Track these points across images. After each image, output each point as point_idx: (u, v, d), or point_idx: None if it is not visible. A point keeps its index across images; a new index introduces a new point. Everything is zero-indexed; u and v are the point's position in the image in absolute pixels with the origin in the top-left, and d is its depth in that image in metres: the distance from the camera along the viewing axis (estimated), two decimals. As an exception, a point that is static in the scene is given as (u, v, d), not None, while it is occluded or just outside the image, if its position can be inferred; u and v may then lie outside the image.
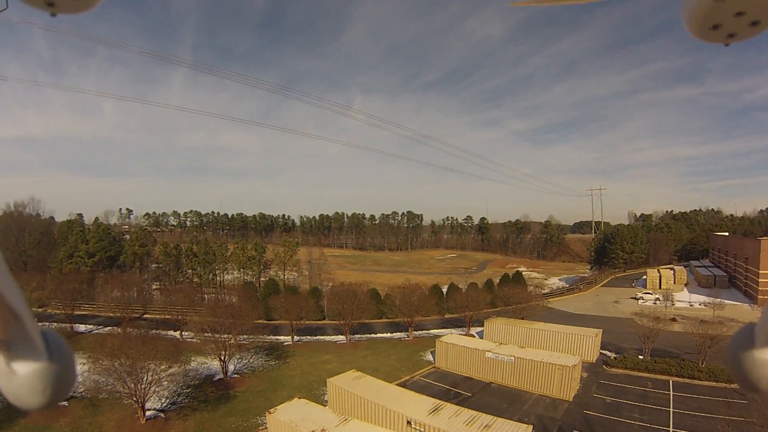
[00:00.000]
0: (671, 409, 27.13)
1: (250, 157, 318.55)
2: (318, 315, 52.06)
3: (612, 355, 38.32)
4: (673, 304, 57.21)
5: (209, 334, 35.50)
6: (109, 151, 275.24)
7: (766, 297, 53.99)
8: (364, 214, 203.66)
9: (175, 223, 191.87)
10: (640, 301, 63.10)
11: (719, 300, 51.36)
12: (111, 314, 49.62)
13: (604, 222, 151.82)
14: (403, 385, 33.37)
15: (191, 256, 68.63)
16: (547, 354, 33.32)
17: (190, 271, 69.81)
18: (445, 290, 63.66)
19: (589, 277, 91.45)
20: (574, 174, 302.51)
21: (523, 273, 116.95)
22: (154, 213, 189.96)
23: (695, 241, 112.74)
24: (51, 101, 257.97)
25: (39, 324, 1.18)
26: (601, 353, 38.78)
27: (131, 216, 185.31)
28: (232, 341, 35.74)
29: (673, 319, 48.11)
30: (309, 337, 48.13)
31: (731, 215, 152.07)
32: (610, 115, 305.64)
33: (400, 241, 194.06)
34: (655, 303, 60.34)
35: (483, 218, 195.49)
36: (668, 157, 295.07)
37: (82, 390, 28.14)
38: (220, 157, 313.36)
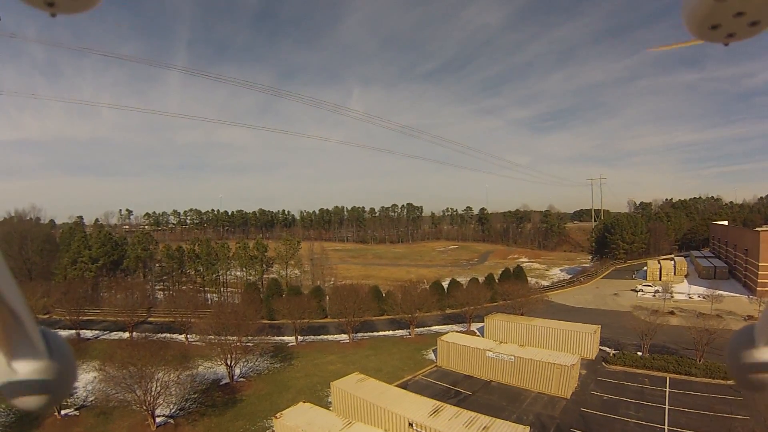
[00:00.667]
0: (666, 407, 27.76)
1: (249, 152, 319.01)
2: (320, 314, 52.79)
3: (611, 351, 38.92)
4: (672, 297, 57.68)
5: (213, 337, 36.19)
6: (107, 151, 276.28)
7: (765, 289, 54.44)
8: (363, 207, 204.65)
9: (175, 222, 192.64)
10: (639, 294, 63.63)
11: (718, 293, 51.78)
12: (116, 319, 50.26)
13: (604, 210, 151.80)
14: (405, 384, 34.16)
15: (194, 257, 69.35)
16: (546, 353, 33.93)
17: (193, 272, 70.60)
18: (446, 284, 64.38)
19: (590, 269, 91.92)
20: (574, 162, 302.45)
21: (525, 264, 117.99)
22: (154, 213, 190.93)
23: (695, 230, 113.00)
24: (48, 103, 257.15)
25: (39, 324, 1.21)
26: (600, 349, 39.35)
27: (131, 216, 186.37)
28: (237, 344, 36.39)
29: (671, 313, 48.65)
30: (312, 336, 48.83)
31: (731, 203, 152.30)
32: (609, 102, 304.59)
33: (400, 234, 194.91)
34: (654, 295, 60.82)
35: (483, 208, 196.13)
36: (668, 144, 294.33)
37: (92, 399, 28.88)
38: (219, 153, 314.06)
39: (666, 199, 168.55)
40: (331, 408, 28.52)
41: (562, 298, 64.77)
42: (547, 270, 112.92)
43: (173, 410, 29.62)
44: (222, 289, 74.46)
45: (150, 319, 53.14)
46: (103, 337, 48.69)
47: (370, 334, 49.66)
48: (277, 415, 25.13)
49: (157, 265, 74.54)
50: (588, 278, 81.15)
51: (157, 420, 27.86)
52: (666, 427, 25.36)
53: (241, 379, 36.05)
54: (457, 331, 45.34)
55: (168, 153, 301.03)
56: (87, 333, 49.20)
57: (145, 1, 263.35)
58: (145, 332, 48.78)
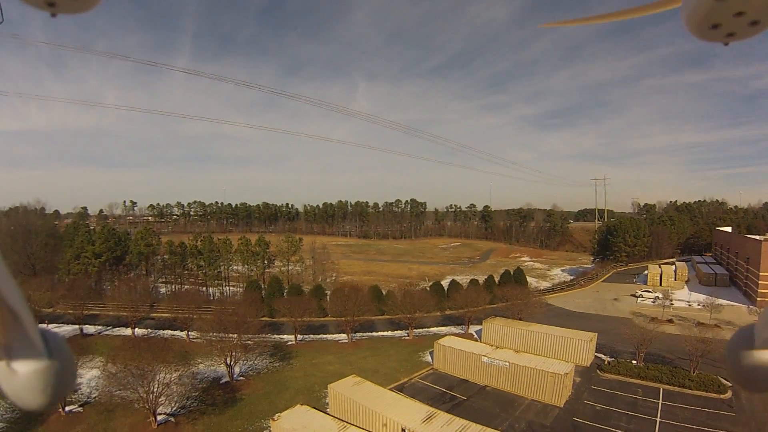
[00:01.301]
0: (658, 419, 28.06)
1: (254, 144, 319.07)
2: (321, 313, 53.37)
3: (606, 359, 39.22)
4: (672, 304, 57.71)
5: (214, 335, 36.76)
6: (111, 143, 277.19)
7: (765, 299, 54.35)
8: (367, 202, 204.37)
9: (179, 214, 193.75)
10: (639, 300, 63.70)
11: (718, 302, 51.73)
12: (119, 314, 50.96)
13: (608, 210, 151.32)
14: (401, 387, 34.70)
15: (196, 253, 70.12)
16: (540, 360, 34.29)
17: (195, 268, 71.45)
18: (447, 283, 64.73)
19: (591, 272, 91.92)
20: (579, 160, 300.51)
21: (526, 263, 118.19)
22: (158, 204, 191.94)
23: (698, 235, 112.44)
24: (52, 95, 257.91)
25: (39, 324, 1.22)
26: (596, 356, 39.68)
27: (135, 208, 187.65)
28: (237, 342, 36.98)
29: (670, 321, 48.80)
30: (312, 335, 49.42)
31: (735, 207, 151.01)
32: (616, 101, 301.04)
33: (403, 229, 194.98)
34: (654, 302, 60.86)
35: (486, 206, 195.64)
36: (674, 144, 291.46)
37: (95, 396, 29.62)
38: (224, 145, 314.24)
39: (670, 202, 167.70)
40: (328, 410, 29.10)
41: (562, 302, 64.94)
42: (548, 270, 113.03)
43: (174, 408, 30.31)
44: (224, 284, 75.35)
45: (152, 315, 53.99)
46: (106, 332, 49.55)
47: (369, 334, 50.16)
48: (275, 417, 25.72)
49: (159, 259, 75.42)
50: (588, 281, 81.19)
51: (159, 418, 28.58)
52: (656, 440, 25.71)
53: (241, 378, 36.73)
54: (454, 334, 45.78)
55: (172, 144, 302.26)
56: (90, 328, 50.06)
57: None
58: (148, 328, 49.65)
